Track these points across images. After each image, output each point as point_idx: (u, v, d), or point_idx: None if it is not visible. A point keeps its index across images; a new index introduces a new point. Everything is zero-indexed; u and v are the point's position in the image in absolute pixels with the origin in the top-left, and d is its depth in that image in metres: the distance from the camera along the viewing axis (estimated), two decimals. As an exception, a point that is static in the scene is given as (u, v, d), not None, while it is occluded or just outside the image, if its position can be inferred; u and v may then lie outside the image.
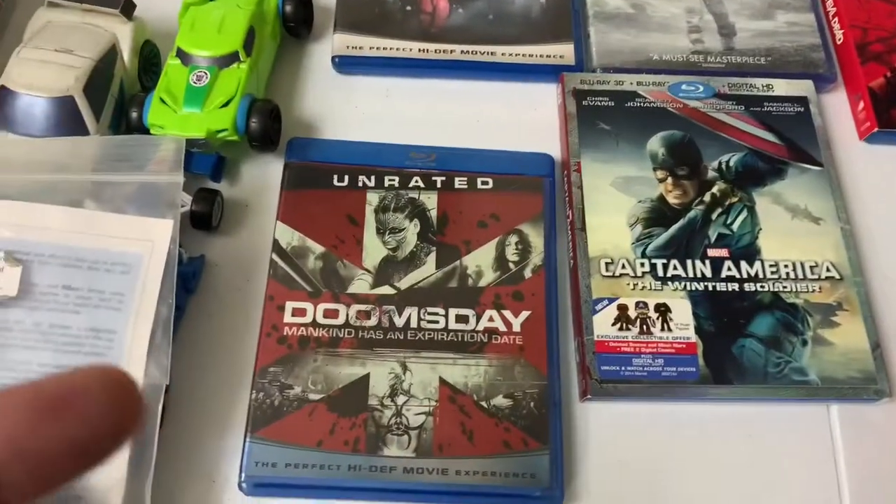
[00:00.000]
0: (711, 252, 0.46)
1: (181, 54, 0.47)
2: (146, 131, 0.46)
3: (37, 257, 0.38)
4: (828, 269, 0.45)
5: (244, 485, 0.39)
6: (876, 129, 0.51)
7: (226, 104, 0.46)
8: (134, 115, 0.46)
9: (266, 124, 0.46)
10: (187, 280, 0.43)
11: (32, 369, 0.37)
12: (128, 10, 0.48)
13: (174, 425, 0.41)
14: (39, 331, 0.38)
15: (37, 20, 0.47)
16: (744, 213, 0.47)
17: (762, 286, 0.45)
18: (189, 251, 0.44)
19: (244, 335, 0.43)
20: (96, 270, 0.39)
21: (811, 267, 0.46)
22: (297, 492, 0.39)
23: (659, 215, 0.47)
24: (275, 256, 0.45)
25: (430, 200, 0.47)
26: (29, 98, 0.43)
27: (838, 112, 0.53)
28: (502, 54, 0.53)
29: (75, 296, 0.38)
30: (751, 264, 0.46)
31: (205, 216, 0.45)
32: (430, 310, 0.44)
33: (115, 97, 0.46)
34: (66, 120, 0.44)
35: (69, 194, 0.40)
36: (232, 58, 0.47)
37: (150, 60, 0.50)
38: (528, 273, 0.45)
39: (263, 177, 0.49)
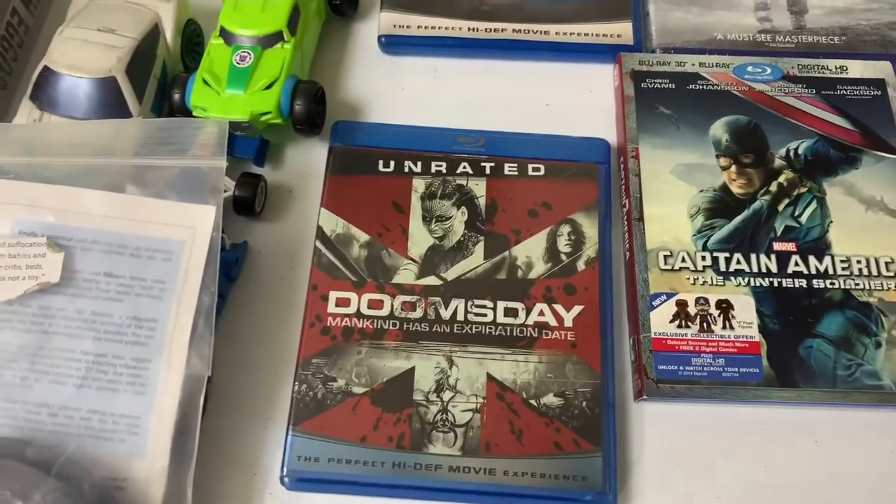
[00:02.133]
0: (777, 246, 0.43)
1: (224, 34, 0.46)
2: (188, 113, 0.45)
3: (79, 243, 0.38)
4: (905, 266, 0.42)
5: (286, 479, 0.38)
6: (960, 115, 0.47)
7: (270, 86, 0.44)
8: (176, 96, 0.45)
9: (311, 107, 0.45)
10: (229, 267, 0.42)
11: (75, 357, 0.36)
12: (171, -13, 0.46)
13: (215, 417, 0.40)
14: (82, 318, 0.37)
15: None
16: (813, 205, 0.44)
17: (832, 283, 0.42)
18: (231, 237, 0.43)
19: (287, 325, 0.42)
20: (138, 258, 0.38)
21: (886, 263, 0.43)
22: (339, 487, 0.38)
23: (722, 205, 0.44)
24: (319, 244, 0.43)
25: (479, 187, 0.45)
26: (71, 79, 0.43)
27: (918, 96, 0.49)
28: (556, 33, 0.50)
29: (117, 283, 0.37)
30: (820, 259, 0.43)
31: (248, 201, 0.44)
32: (477, 302, 0.42)
33: (158, 78, 0.45)
34: (109, 101, 0.43)
35: (111, 178, 0.39)
36: (276, 37, 0.45)
37: (192, 40, 0.49)
38: (580, 265, 0.43)
39: (307, 161, 0.47)
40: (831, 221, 0.44)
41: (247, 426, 0.40)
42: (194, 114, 0.44)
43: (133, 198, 0.39)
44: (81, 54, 0.43)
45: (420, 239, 0.44)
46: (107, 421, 0.36)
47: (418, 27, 0.51)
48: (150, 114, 0.45)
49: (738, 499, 0.39)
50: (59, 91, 0.43)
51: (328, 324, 0.41)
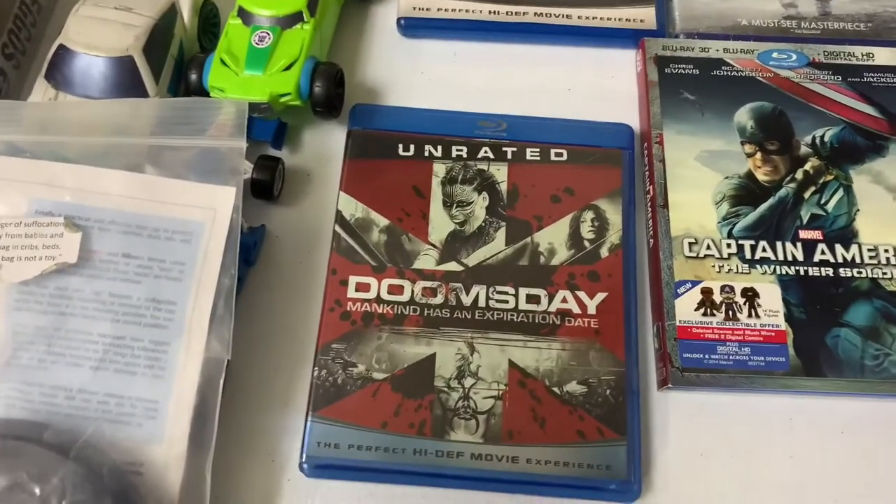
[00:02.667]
0: (803, 234, 0.43)
1: (242, 13, 0.45)
2: (205, 94, 0.44)
3: (97, 223, 0.37)
4: (933, 256, 0.42)
5: (305, 465, 0.37)
6: None
7: (289, 67, 0.43)
8: (193, 76, 0.44)
9: (330, 89, 0.44)
10: (247, 251, 0.42)
11: (92, 339, 0.36)
12: (187, -34, 0.46)
13: (233, 402, 0.39)
14: (99, 300, 0.36)
15: (95, -23, 0.45)
16: (839, 193, 0.44)
17: (859, 272, 0.41)
18: (249, 221, 0.43)
19: (306, 310, 0.41)
20: (157, 238, 0.37)
21: (914, 252, 0.42)
22: (359, 475, 0.38)
23: (747, 193, 0.44)
24: (338, 228, 0.43)
25: (500, 172, 0.44)
26: (87, 57, 0.42)
27: (944, 84, 0.49)
28: (578, 17, 0.50)
29: (135, 264, 0.37)
30: (847, 248, 0.42)
31: (266, 184, 0.43)
32: (499, 288, 0.41)
33: (175, 58, 0.44)
34: (125, 81, 0.42)
35: (128, 158, 0.39)
36: (295, 17, 0.44)
37: (209, 20, 0.49)
38: (604, 252, 0.42)
39: (326, 145, 0.47)
40: (858, 210, 0.43)
41: (265, 412, 0.39)
42: (212, 95, 0.44)
43: (151, 178, 0.38)
44: (98, 33, 0.42)
45: (440, 224, 0.43)
46: (124, 404, 0.35)
47: (438, 9, 0.50)
48: (166, 94, 0.44)
49: (764, 490, 0.38)
50: (74, 70, 0.42)
51: (348, 308, 0.40)
